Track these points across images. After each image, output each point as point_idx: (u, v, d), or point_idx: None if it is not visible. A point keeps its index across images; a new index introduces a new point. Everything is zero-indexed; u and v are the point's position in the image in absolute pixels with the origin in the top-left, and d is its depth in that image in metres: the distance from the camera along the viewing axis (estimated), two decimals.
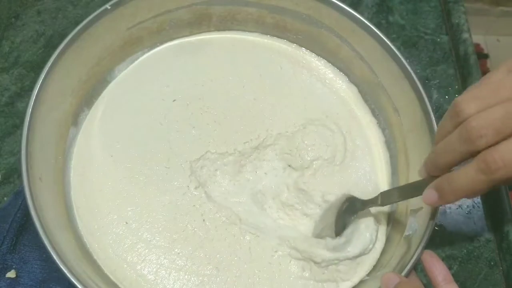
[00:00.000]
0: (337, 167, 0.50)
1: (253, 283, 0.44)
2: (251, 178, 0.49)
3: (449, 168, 0.37)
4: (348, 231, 0.44)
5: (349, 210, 0.45)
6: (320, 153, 0.49)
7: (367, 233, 0.44)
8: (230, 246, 0.45)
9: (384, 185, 0.50)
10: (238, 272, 0.45)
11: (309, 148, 0.49)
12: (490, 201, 0.54)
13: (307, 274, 0.45)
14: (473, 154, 0.34)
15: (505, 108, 0.33)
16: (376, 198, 0.44)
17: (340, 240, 0.44)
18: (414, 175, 0.48)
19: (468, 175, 0.34)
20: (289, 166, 0.49)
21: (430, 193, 0.38)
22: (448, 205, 0.54)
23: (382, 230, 0.48)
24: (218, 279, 0.44)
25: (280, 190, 0.48)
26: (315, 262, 0.44)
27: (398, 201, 0.45)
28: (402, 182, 0.49)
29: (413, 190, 0.41)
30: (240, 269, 0.45)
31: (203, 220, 0.46)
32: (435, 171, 0.38)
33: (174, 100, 0.52)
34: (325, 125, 0.51)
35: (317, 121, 0.51)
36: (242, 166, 0.49)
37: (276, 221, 0.48)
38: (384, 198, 0.44)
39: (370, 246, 0.45)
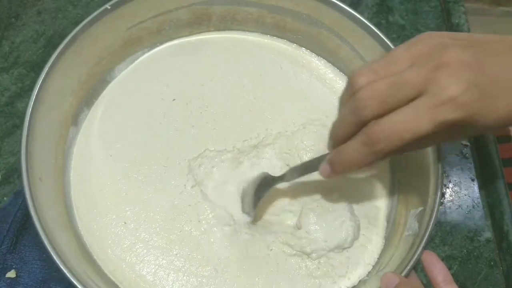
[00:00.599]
0: None
1: (252, 283, 0.44)
2: (247, 172, 0.49)
3: (345, 140, 0.37)
4: (328, 222, 0.45)
5: (263, 185, 0.46)
6: (319, 154, 0.49)
7: (343, 227, 0.45)
8: (227, 247, 0.45)
9: (383, 185, 0.50)
10: (237, 272, 0.45)
11: (308, 149, 0.49)
12: (490, 201, 0.54)
13: (303, 271, 0.45)
14: (363, 126, 0.35)
15: (392, 79, 0.33)
16: (283, 174, 0.46)
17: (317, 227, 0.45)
18: (413, 175, 0.48)
19: (354, 147, 0.36)
20: (287, 165, 0.49)
21: (324, 166, 0.40)
22: (448, 205, 0.54)
23: (382, 230, 0.48)
24: (217, 280, 0.44)
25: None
26: (307, 255, 0.45)
27: (302, 176, 0.45)
28: (401, 181, 0.49)
29: (314, 165, 0.42)
30: (239, 270, 0.45)
31: (199, 220, 0.46)
32: (334, 144, 0.38)
33: (174, 100, 0.52)
34: (325, 125, 0.51)
35: (317, 121, 0.51)
36: (240, 163, 0.50)
37: (266, 217, 0.48)
38: (289, 174, 0.45)
39: (348, 239, 0.45)
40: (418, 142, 0.33)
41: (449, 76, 0.32)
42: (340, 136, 0.37)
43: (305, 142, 0.49)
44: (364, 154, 0.35)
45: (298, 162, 0.49)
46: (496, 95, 0.33)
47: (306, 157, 0.49)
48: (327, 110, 0.53)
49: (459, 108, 0.32)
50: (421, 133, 0.32)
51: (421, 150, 0.46)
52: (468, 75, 0.32)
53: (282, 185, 0.48)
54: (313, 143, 0.49)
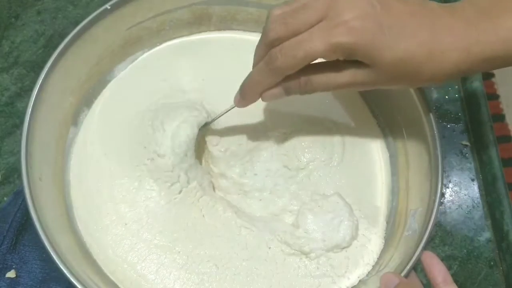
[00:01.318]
0: (334, 168, 0.50)
1: (252, 281, 0.44)
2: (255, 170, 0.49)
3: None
4: (326, 221, 0.45)
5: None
6: (317, 155, 0.49)
7: (341, 227, 0.45)
8: (229, 241, 0.45)
9: (383, 185, 0.50)
10: (237, 269, 0.45)
11: (306, 150, 0.49)
12: (490, 201, 0.54)
13: (302, 271, 0.45)
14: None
15: (296, 5, 0.36)
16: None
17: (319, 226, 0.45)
18: (414, 175, 0.48)
19: (258, 68, 0.39)
20: (285, 167, 0.49)
21: (236, 95, 0.43)
22: (448, 205, 0.54)
23: (381, 230, 0.48)
24: (217, 277, 0.44)
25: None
26: (306, 254, 0.45)
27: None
28: (402, 182, 0.49)
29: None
30: (239, 267, 0.45)
31: (203, 215, 0.46)
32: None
33: (174, 100, 0.52)
34: (323, 125, 0.51)
35: (315, 122, 0.51)
36: (249, 151, 0.50)
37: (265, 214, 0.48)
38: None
39: (346, 238, 0.45)
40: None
41: (347, 2, 0.35)
42: (254, 64, 0.40)
43: (303, 144, 0.49)
44: (265, 72, 0.38)
45: (295, 163, 0.49)
46: (396, 35, 0.35)
47: (304, 158, 0.49)
48: (325, 110, 0.52)
49: (350, 32, 0.34)
50: (314, 53, 0.35)
51: (421, 149, 0.46)
52: (366, 5, 0.34)
53: (282, 185, 0.48)
54: (311, 144, 0.49)
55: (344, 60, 0.37)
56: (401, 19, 0.35)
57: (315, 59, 0.36)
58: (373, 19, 0.34)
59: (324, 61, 0.38)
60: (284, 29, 0.36)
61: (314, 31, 0.35)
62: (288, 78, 0.38)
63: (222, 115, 0.47)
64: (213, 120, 0.48)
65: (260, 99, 0.41)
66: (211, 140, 0.50)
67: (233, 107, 0.45)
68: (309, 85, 0.38)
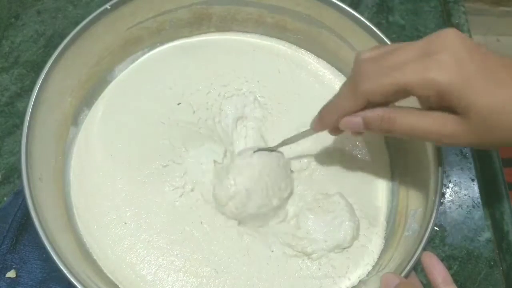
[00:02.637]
0: (334, 169, 0.50)
1: (252, 284, 0.44)
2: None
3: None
4: (327, 222, 0.45)
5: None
6: (318, 157, 0.49)
7: (341, 227, 0.45)
8: (229, 248, 0.45)
9: (383, 185, 0.50)
10: (237, 274, 0.44)
11: (306, 152, 0.49)
12: (490, 201, 0.54)
13: (304, 272, 0.45)
14: None
15: (387, 47, 0.37)
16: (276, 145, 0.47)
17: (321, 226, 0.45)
18: (413, 175, 0.48)
19: (341, 91, 0.39)
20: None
21: (314, 119, 0.42)
22: (448, 205, 0.54)
23: (382, 230, 0.48)
24: (217, 281, 0.44)
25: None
26: (308, 255, 0.45)
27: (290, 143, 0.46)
28: (401, 181, 0.49)
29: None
30: (239, 271, 0.45)
31: (201, 222, 0.46)
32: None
33: (175, 101, 0.52)
34: None
35: None
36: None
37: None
38: (279, 145, 0.47)
39: (348, 238, 0.45)
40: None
41: (444, 46, 0.33)
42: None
43: (302, 146, 0.49)
44: (347, 95, 0.37)
45: (297, 166, 0.49)
46: (493, 82, 0.33)
47: (305, 159, 0.49)
48: None
49: (447, 70, 0.32)
50: (404, 84, 0.33)
51: (421, 149, 0.46)
52: (463, 50, 0.33)
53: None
54: (311, 146, 0.49)
55: (433, 108, 0.34)
56: (497, 69, 0.33)
57: (403, 93, 0.34)
58: (470, 63, 0.32)
59: (412, 107, 0.36)
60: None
61: (409, 63, 0.33)
62: (370, 111, 0.36)
63: (294, 141, 0.46)
64: (279, 146, 0.47)
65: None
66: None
67: (309, 133, 0.43)
68: (391, 123, 0.35)
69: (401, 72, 0.33)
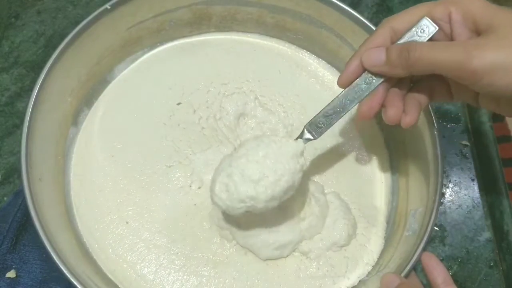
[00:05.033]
0: (332, 169, 0.50)
1: (252, 285, 0.44)
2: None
3: None
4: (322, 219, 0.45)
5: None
6: (316, 156, 0.49)
7: (335, 225, 0.45)
8: (229, 248, 0.45)
9: (382, 185, 0.50)
10: (237, 274, 0.45)
11: (305, 151, 0.49)
12: (490, 201, 0.54)
13: (303, 272, 0.45)
14: None
15: None
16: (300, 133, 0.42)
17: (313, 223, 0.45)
18: (413, 175, 0.48)
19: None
20: None
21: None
22: (448, 205, 0.54)
23: (381, 230, 0.48)
24: (216, 280, 0.44)
25: None
26: (306, 254, 0.45)
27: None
28: (402, 182, 0.49)
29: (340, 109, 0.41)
30: (239, 271, 0.45)
31: (202, 219, 0.46)
32: None
33: (176, 101, 0.52)
34: None
35: None
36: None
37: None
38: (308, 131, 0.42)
39: (343, 236, 0.45)
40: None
41: None
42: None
43: None
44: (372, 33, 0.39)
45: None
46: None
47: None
48: None
49: None
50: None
51: (421, 150, 0.46)
52: None
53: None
54: (311, 146, 0.49)
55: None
56: None
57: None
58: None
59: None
60: None
61: None
62: (392, 45, 0.38)
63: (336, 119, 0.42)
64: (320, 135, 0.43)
65: None
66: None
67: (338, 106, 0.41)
68: (412, 51, 0.35)
69: None
